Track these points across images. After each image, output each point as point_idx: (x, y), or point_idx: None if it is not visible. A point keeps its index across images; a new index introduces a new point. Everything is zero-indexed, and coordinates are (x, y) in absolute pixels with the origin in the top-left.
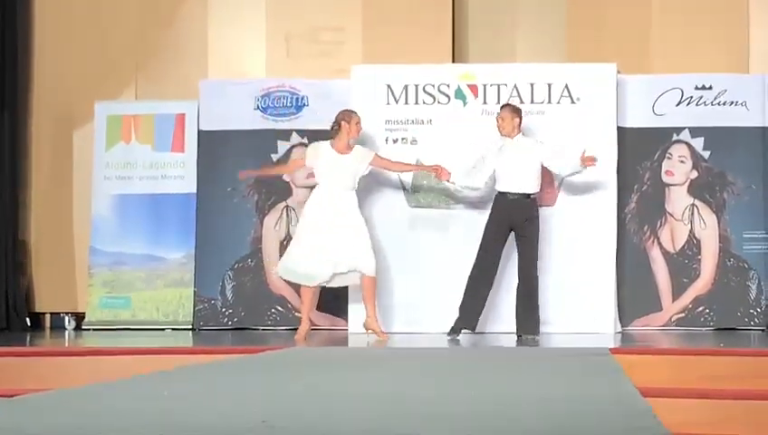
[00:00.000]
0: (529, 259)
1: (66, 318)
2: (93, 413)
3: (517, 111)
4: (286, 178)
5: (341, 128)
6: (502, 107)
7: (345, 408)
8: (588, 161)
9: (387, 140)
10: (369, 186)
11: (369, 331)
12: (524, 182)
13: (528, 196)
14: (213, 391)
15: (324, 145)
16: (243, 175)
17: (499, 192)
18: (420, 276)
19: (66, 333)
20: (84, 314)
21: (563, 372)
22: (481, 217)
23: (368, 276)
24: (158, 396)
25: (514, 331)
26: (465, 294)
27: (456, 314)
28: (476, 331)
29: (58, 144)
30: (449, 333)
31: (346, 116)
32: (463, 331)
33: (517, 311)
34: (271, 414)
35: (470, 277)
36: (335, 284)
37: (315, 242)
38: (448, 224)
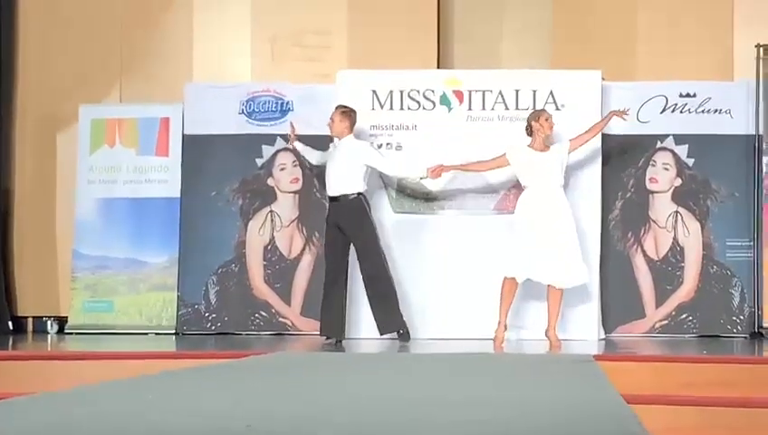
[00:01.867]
0: (371, 260)
1: (49, 322)
2: (76, 417)
3: (347, 114)
4: (270, 183)
5: (534, 128)
6: (335, 108)
7: (328, 413)
8: (433, 174)
9: (372, 145)
10: None
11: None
12: (347, 183)
13: (348, 196)
14: (196, 396)
15: (523, 146)
16: (436, 173)
17: (328, 196)
18: (404, 281)
19: (49, 337)
20: (67, 317)
21: (547, 378)
22: (466, 222)
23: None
24: (142, 400)
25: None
26: (321, 303)
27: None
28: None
29: (42, 147)
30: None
31: (535, 116)
32: (328, 340)
33: (375, 313)
34: (254, 419)
35: (324, 287)
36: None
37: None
38: (432, 229)
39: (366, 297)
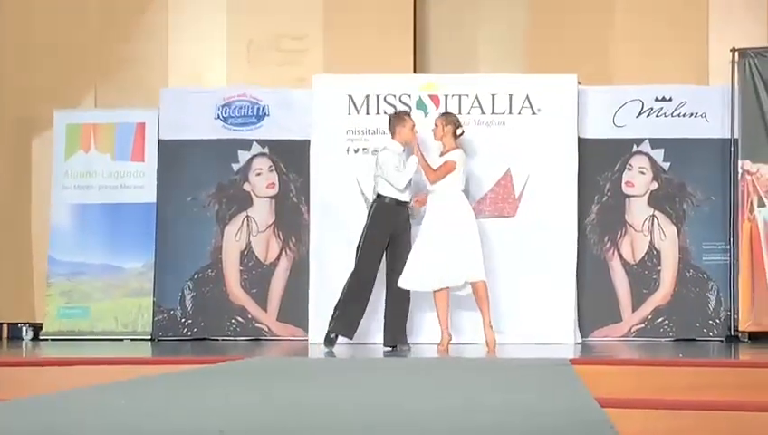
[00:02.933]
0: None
1: (24, 328)
2: (50, 423)
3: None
4: (247, 188)
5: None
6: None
7: (302, 419)
8: (417, 204)
9: (348, 150)
10: (331, 199)
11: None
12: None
13: (409, 204)
14: (171, 402)
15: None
16: (421, 202)
17: (391, 199)
18: (380, 289)
19: (24, 343)
20: (42, 324)
21: (522, 382)
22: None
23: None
24: (116, 406)
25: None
26: (345, 300)
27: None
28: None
29: (16, 152)
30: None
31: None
32: (332, 335)
33: (388, 321)
34: (228, 425)
35: (352, 285)
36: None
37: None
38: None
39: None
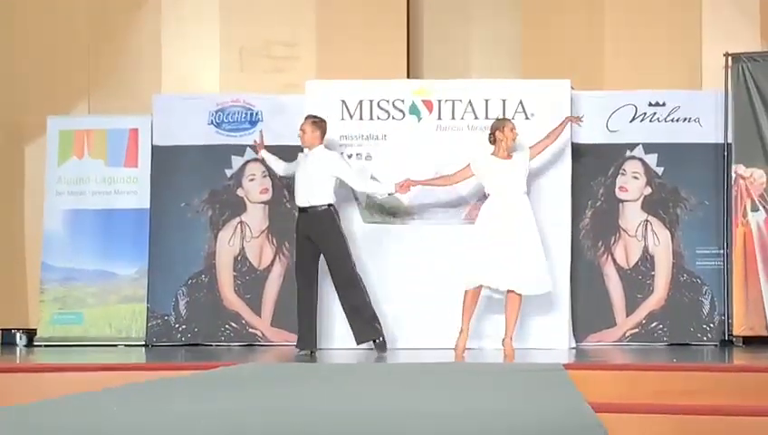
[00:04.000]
0: (342, 270)
1: (17, 334)
2: (42, 429)
3: (318, 123)
4: (240, 193)
5: (497, 137)
6: (306, 118)
7: (296, 424)
8: (402, 189)
9: (342, 157)
10: None
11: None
12: (317, 194)
13: (318, 207)
14: (165, 408)
15: (485, 155)
16: (404, 188)
17: (298, 206)
18: (374, 292)
19: (17, 349)
20: (36, 330)
21: (516, 387)
22: (436, 232)
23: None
24: (109, 412)
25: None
26: (298, 316)
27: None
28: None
29: (9, 158)
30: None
31: (499, 125)
32: (302, 352)
33: (350, 323)
34: (221, 431)
35: (297, 298)
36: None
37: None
38: (403, 239)
39: (340, 308)
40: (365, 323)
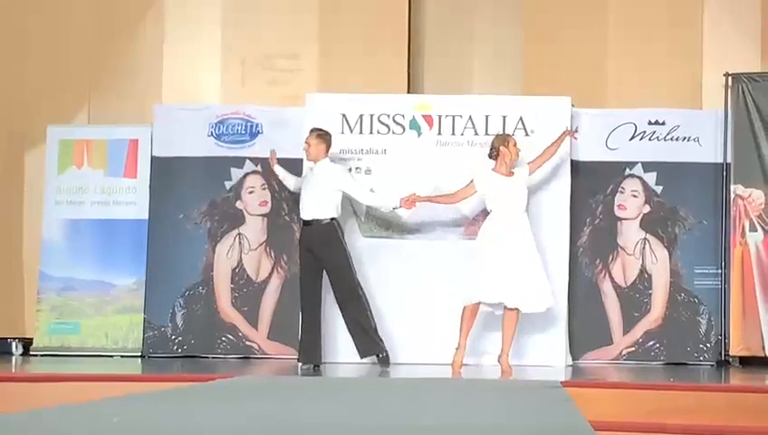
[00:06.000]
0: (344, 284)
1: (14, 343)
2: None
3: (323, 137)
4: (239, 205)
5: (501, 153)
6: (310, 131)
7: None
8: (407, 204)
9: (347, 171)
10: None
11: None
12: (321, 208)
13: (321, 221)
14: (161, 419)
15: (488, 171)
16: (410, 203)
17: (302, 219)
18: (373, 306)
19: (13, 358)
20: (32, 339)
21: (515, 404)
22: (435, 246)
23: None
24: (107, 423)
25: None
26: (301, 330)
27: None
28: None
29: (9, 167)
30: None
31: (503, 141)
32: (304, 366)
33: (353, 337)
34: None
35: (300, 312)
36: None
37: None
38: (402, 253)
39: (343, 321)
40: (368, 337)
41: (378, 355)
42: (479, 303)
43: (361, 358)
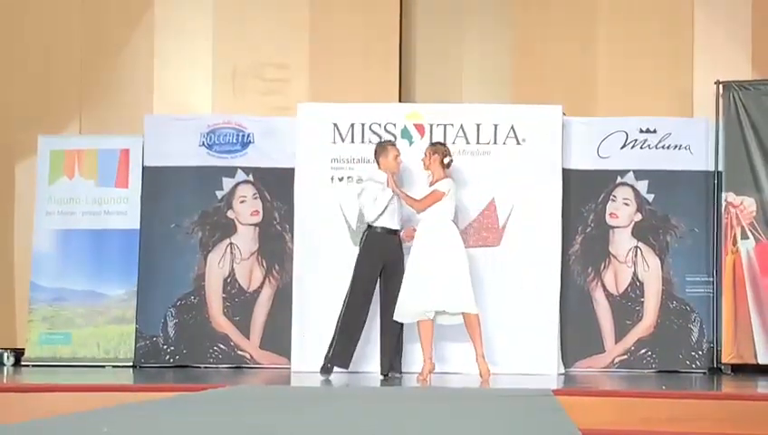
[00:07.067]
0: (396, 295)
1: (5, 354)
2: None
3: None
4: (230, 215)
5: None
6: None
7: None
8: (408, 237)
9: (332, 179)
10: (314, 227)
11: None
12: (401, 218)
13: (400, 232)
14: (153, 429)
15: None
16: (408, 236)
17: (382, 228)
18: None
19: (5, 369)
20: (24, 350)
21: (506, 413)
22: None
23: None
24: (98, 433)
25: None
26: (338, 332)
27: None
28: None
29: (0, 177)
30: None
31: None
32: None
33: (386, 348)
34: None
35: (344, 315)
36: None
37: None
38: None
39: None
40: (397, 355)
41: (389, 374)
42: (431, 315)
43: (382, 373)
